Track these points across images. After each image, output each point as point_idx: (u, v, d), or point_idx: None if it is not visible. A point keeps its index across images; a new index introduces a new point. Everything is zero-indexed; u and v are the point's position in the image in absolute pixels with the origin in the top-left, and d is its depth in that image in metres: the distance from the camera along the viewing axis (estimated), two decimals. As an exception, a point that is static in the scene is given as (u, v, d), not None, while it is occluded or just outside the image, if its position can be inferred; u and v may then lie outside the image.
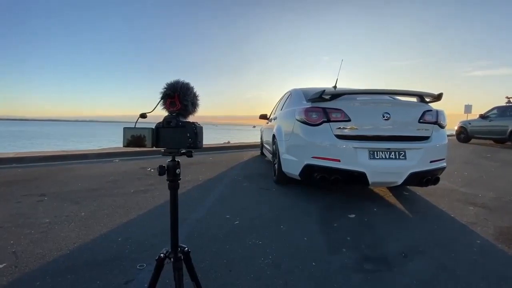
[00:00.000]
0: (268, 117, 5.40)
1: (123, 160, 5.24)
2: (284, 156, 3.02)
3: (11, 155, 4.96)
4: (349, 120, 2.51)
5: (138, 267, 1.48)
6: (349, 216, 2.37)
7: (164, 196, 2.78)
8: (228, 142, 9.06)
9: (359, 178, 2.41)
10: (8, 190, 2.95)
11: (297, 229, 2.07)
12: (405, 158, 2.44)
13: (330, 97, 2.64)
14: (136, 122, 0.81)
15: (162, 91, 0.81)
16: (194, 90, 0.82)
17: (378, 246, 1.81)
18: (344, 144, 2.44)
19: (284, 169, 3.04)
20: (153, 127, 0.82)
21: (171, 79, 0.81)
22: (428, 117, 2.62)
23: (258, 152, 6.60)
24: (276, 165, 3.39)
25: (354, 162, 2.40)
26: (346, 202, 2.74)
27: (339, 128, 2.51)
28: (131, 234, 1.90)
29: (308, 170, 2.58)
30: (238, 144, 8.32)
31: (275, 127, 3.63)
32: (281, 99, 4.62)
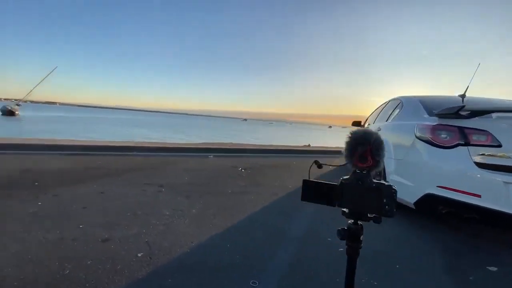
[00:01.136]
0: (362, 124, 4.92)
1: (216, 156, 5.69)
2: (392, 177, 2.63)
3: (131, 144, 6.06)
4: (499, 146, 1.95)
5: (251, 283, 1.49)
6: (488, 268, 1.86)
7: (260, 202, 2.83)
8: (309, 146, 8.81)
9: (509, 222, 1.86)
10: (135, 176, 3.57)
11: (419, 274, 1.74)
12: None
13: (469, 114, 2.12)
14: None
15: (348, 140, 0.70)
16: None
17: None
18: (489, 175, 1.92)
19: (391, 191, 2.65)
20: (340, 183, 0.72)
21: (358, 129, 0.70)
22: None
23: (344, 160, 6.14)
24: (378, 184, 3.00)
25: (503, 201, 1.85)
26: (476, 246, 2.18)
27: (483, 154, 1.98)
28: (238, 241, 1.96)
29: (430, 201, 2.16)
30: (320, 148, 7.98)
31: (379, 140, 3.22)
32: (383, 107, 4.11)
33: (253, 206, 2.73)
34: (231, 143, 8.11)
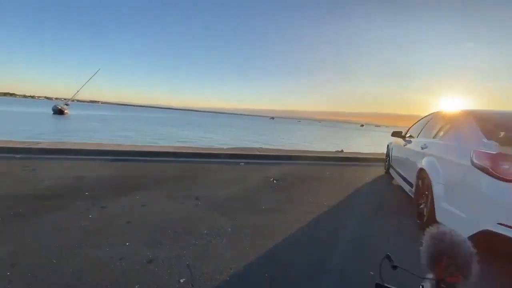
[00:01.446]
0: (403, 135, 4.62)
1: (248, 164, 5.73)
2: (442, 204, 2.42)
3: (170, 149, 6.33)
4: None
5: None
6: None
7: (296, 222, 2.78)
8: (342, 151, 8.50)
9: None
10: (173, 187, 3.72)
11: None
12: None
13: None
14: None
15: (428, 244, 0.61)
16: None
17: None
18: None
19: (440, 220, 2.44)
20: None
21: (439, 230, 0.59)
22: None
23: (381, 169, 5.82)
24: (424, 209, 2.79)
25: None
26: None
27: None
28: (276, 271, 1.93)
29: (488, 238, 1.94)
30: (355, 155, 7.65)
31: (425, 160, 2.98)
32: (429, 119, 3.80)
33: (288, 227, 2.68)
34: (261, 148, 8.11)
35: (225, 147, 8.09)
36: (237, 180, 4.34)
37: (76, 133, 17.46)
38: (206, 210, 2.98)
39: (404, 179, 3.82)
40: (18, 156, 4.97)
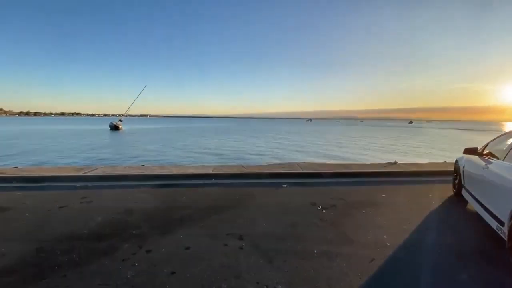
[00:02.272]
0: (480, 151, 3.85)
1: (290, 185, 5.39)
2: None
3: (209, 171, 6.31)
4: None
5: None
6: None
7: (356, 275, 2.36)
8: (395, 163, 7.60)
9: None
10: (216, 222, 3.57)
11: None
12: None
13: None
14: None
15: None
16: None
17: None
18: None
19: None
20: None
21: None
22: None
23: (448, 188, 4.96)
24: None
25: None
26: None
27: None
28: None
29: None
30: (411, 169, 6.74)
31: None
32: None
33: (348, 284, 2.28)
34: (302, 163, 7.67)
35: (264, 163, 7.86)
36: (281, 210, 4.03)
37: (132, 147, 19.19)
38: (251, 255, 2.73)
39: (488, 211, 3.10)
40: (78, 185, 5.39)
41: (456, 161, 4.79)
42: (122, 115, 57.99)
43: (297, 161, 8.76)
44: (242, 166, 6.96)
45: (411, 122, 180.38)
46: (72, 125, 65.39)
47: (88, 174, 5.86)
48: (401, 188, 5.26)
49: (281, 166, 6.93)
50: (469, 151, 3.98)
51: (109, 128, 45.73)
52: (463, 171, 4.29)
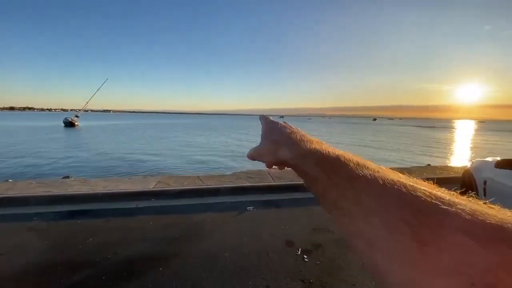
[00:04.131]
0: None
1: (258, 206, 3.98)
2: None
3: (151, 186, 4.68)
4: None
5: None
6: None
7: None
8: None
9: None
10: (154, 281, 2.03)
11: None
12: None
13: None
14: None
15: None
16: None
17: None
18: None
19: None
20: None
21: None
22: None
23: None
24: None
25: None
26: None
27: None
28: None
29: None
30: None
31: None
32: None
33: None
34: (276, 168, 6.33)
35: (227, 172, 6.30)
36: (243, 257, 2.61)
37: (85, 147, 16.36)
38: None
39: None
40: None
41: (468, 171, 3.74)
42: (80, 110, 52.37)
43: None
44: (198, 177, 5.41)
45: (375, 119, 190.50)
46: (18, 121, 57.44)
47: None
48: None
49: (247, 175, 5.50)
50: (502, 164, 2.87)
51: (63, 125, 40.70)
52: (485, 187, 3.20)
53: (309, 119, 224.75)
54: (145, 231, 3.16)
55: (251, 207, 3.88)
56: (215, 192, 4.54)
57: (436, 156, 14.73)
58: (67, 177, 5.78)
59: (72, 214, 3.65)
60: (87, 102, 54.71)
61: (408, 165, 9.40)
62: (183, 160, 12.75)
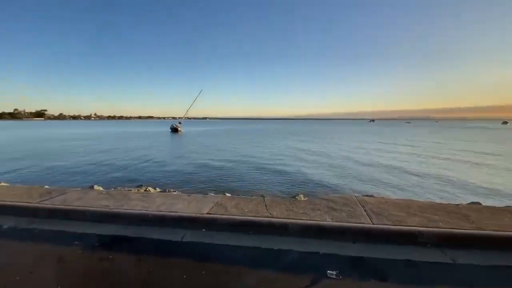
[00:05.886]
0: None
1: (346, 271, 2.46)
2: None
3: (205, 211, 3.79)
4: None
5: None
6: None
7: None
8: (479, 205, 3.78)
9: None
10: None
11: None
12: None
13: None
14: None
15: None
16: None
17: None
18: None
19: None
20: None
21: None
22: None
23: None
24: None
25: None
26: None
27: None
28: None
29: None
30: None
31: None
32: None
33: None
34: (370, 197, 4.51)
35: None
36: None
37: (191, 148, 18.68)
38: None
39: None
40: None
41: None
42: (181, 118, 61.46)
43: (365, 194, 5.51)
44: (263, 198, 4.23)
45: (505, 122, 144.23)
46: (142, 128, 72.40)
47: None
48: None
49: (328, 204, 3.95)
50: None
51: (170, 131, 48.69)
52: None
53: (408, 122, 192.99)
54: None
55: (333, 272, 2.38)
56: (282, 228, 3.26)
57: None
58: (140, 186, 5.70)
59: (113, 241, 3.10)
60: (187, 111, 63.39)
61: None
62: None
